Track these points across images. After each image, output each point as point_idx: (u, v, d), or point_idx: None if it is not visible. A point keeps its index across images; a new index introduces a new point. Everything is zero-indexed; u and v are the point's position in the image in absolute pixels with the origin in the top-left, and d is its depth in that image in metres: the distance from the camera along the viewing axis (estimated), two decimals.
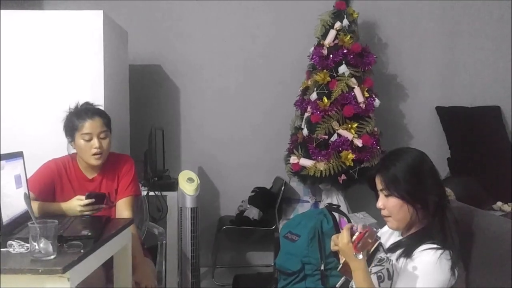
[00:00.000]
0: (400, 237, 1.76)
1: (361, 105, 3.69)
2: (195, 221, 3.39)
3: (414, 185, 1.64)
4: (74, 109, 2.35)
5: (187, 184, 3.42)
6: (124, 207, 2.39)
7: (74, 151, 2.35)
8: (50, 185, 2.32)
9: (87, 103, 2.40)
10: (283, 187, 3.89)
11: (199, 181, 3.45)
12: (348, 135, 3.63)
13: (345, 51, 3.73)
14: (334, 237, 1.68)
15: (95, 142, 2.27)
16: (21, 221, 1.87)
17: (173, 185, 3.59)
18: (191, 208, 3.39)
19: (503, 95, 4.41)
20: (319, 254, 2.72)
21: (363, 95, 3.71)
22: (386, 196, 1.69)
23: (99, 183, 2.39)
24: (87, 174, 2.39)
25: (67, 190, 2.34)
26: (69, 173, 2.37)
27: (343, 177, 3.61)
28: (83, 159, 2.33)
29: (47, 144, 2.63)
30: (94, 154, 2.28)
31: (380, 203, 1.71)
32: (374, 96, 3.79)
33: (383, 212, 1.72)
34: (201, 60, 4.33)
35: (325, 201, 3.80)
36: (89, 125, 2.27)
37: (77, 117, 2.30)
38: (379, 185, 1.71)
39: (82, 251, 1.65)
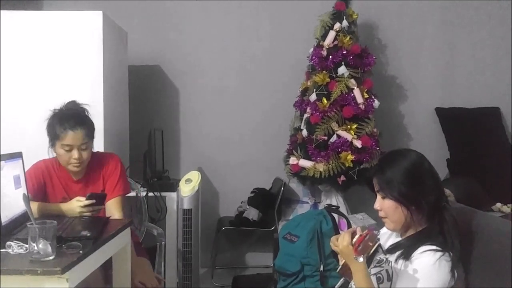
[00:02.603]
0: (399, 238, 1.76)
1: (361, 106, 3.69)
2: (188, 222, 3.38)
3: (409, 188, 1.64)
4: (59, 111, 2.29)
5: (184, 185, 3.41)
6: (114, 207, 2.36)
7: (54, 154, 2.32)
8: (41, 185, 2.31)
9: (73, 103, 2.32)
10: (282, 188, 3.88)
11: (198, 183, 3.44)
12: (348, 136, 3.63)
13: (345, 52, 3.73)
14: (333, 238, 1.68)
15: (75, 153, 2.23)
16: (20, 221, 1.87)
17: (172, 186, 3.58)
18: (183, 210, 3.39)
19: (503, 96, 4.40)
20: (319, 255, 2.72)
21: (363, 96, 3.70)
22: (382, 197, 1.69)
23: (85, 184, 2.37)
24: (72, 175, 2.36)
25: (58, 189, 2.34)
26: (57, 173, 2.36)
27: (343, 178, 3.61)
28: (62, 165, 2.31)
29: (47, 144, 2.62)
30: (72, 164, 2.26)
31: (377, 204, 1.72)
32: (373, 97, 3.78)
33: (380, 213, 1.73)
34: (201, 60, 4.32)
35: (325, 202, 3.79)
36: (70, 138, 2.21)
37: (60, 124, 2.22)
38: (376, 186, 1.71)
39: (81, 252, 1.65)
